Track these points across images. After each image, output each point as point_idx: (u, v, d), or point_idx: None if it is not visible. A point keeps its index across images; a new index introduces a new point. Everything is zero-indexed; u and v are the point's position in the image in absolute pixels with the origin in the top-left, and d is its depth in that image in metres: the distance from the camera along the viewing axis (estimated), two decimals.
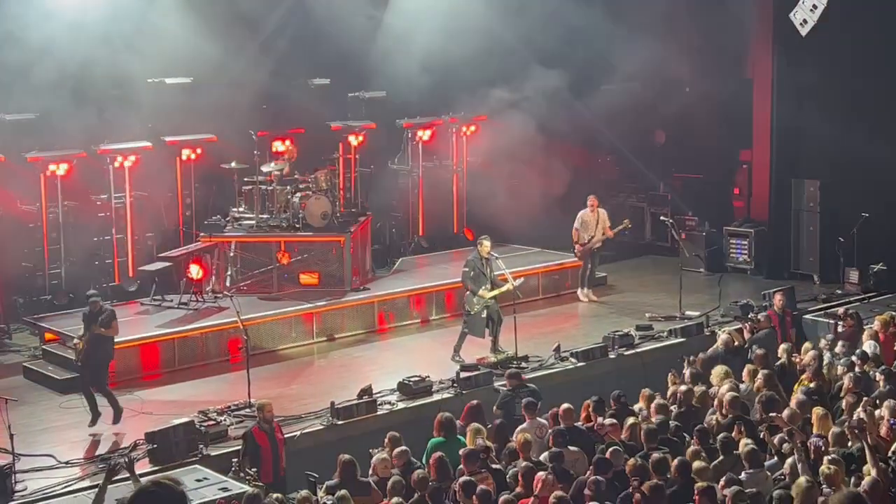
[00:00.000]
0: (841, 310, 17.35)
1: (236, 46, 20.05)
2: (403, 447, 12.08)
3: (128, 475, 10.54)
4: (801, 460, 10.38)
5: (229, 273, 18.86)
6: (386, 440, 12.43)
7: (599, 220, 19.73)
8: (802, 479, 9.83)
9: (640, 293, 20.31)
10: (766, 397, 12.82)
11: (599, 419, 12.96)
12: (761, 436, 11.78)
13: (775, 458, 11.34)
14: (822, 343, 15.28)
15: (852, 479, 10.17)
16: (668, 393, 14.00)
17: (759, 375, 13.72)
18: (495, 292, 16.47)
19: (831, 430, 11.53)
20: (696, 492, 10.06)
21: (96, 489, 10.52)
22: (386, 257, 21.42)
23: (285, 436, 13.11)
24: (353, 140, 21.42)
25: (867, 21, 20.19)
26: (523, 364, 16.16)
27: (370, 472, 11.82)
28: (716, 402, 13.10)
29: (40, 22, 17.57)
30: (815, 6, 19.94)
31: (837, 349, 14.85)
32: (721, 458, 11.42)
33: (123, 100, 19.50)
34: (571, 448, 12.04)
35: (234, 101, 20.09)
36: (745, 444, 11.38)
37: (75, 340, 14.47)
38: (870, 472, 9.89)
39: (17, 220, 18.59)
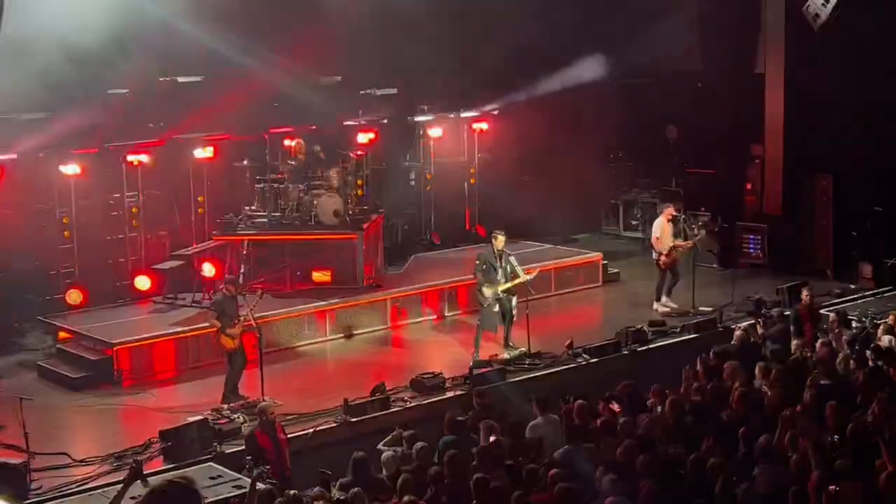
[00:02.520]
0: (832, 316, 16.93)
1: (247, 44, 20.05)
2: (423, 444, 12.10)
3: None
4: (814, 456, 10.35)
5: (242, 271, 18.88)
6: (403, 439, 12.47)
7: (679, 228, 19.17)
8: (815, 475, 9.80)
9: (654, 289, 20.23)
10: (780, 393, 12.79)
11: (594, 417, 12.94)
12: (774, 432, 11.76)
13: (789, 453, 11.30)
14: (845, 337, 15.23)
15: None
16: (683, 389, 13.95)
17: (773, 371, 13.68)
18: (507, 285, 16.47)
19: (846, 425, 11.49)
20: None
21: (111, 487, 10.59)
22: (398, 254, 21.42)
23: (290, 435, 13.11)
24: (365, 137, 21.42)
25: (879, 14, 20.11)
26: (536, 360, 16.16)
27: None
28: (729, 398, 13.06)
29: (52, 21, 17.58)
30: (826, 0, 19.90)
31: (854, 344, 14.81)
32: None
33: (136, 98, 19.54)
34: (586, 445, 12.03)
35: (246, 99, 20.09)
36: (759, 440, 11.35)
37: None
38: (885, 467, 9.85)
39: (30, 218, 18.63)
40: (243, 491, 11.31)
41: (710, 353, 15.08)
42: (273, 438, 12.59)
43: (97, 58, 18.10)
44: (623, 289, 20.68)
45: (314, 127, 20.92)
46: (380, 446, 12.57)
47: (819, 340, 15.02)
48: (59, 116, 18.62)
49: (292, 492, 11.09)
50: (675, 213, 19.23)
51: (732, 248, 21.82)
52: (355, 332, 17.98)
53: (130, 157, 19.04)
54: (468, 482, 10.94)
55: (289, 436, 13.13)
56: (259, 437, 12.59)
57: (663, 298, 18.95)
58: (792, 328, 16.33)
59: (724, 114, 22.32)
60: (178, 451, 12.97)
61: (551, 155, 23.25)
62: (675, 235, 18.97)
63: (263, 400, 14.25)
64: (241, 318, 14.94)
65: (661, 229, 19.01)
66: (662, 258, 18.90)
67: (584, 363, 16.24)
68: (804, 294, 17.18)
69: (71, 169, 18.38)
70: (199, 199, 20.23)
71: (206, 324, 15.48)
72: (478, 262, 16.65)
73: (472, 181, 23.45)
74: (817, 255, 21.32)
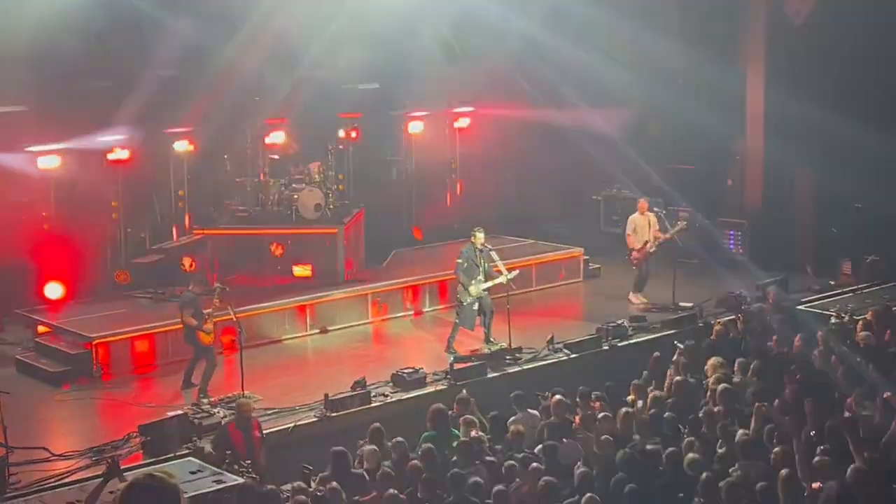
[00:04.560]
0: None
1: (228, 37, 19.98)
2: (399, 438, 12.09)
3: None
4: (798, 450, 10.40)
5: (220, 267, 18.82)
6: (370, 432, 12.47)
7: (650, 223, 19.23)
8: (784, 472, 9.86)
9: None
10: (758, 388, 12.84)
11: (573, 412, 12.98)
12: (752, 427, 11.81)
13: (768, 447, 11.36)
14: (819, 334, 15.28)
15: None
16: (666, 384, 13.98)
17: (752, 367, 13.74)
18: (488, 284, 16.50)
19: (824, 421, 11.54)
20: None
21: (90, 482, 10.54)
22: (379, 249, 21.40)
23: (271, 430, 13.08)
24: (346, 132, 21.38)
25: (860, 9, 20.17)
26: (517, 355, 16.17)
27: (361, 463, 11.86)
28: (708, 394, 13.11)
29: (31, 14, 17.48)
30: None
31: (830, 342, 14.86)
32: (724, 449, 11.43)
33: (117, 92, 19.44)
34: (565, 440, 12.06)
35: (228, 93, 20.03)
36: (738, 436, 11.40)
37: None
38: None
39: (10, 212, 18.52)
40: (223, 486, 11.29)
41: (684, 348, 15.10)
42: (246, 435, 12.56)
43: (79, 50, 18.03)
44: (604, 284, 20.71)
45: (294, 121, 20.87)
46: (360, 442, 12.56)
47: (797, 336, 15.08)
48: (40, 110, 18.55)
49: (270, 487, 11.09)
50: (653, 209, 19.29)
51: (712, 242, 21.85)
52: (334, 327, 17.98)
53: (111, 152, 18.93)
54: (446, 476, 10.96)
55: (269, 431, 13.12)
56: (231, 431, 12.59)
57: (631, 295, 19.06)
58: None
59: (706, 109, 22.32)
60: (158, 446, 12.92)
61: (533, 151, 23.26)
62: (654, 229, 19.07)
63: (243, 395, 14.25)
64: (210, 314, 14.85)
65: (633, 225, 19.12)
66: (634, 254, 19.04)
67: (564, 358, 16.27)
68: (770, 293, 17.32)
69: (50, 163, 18.27)
70: (180, 193, 20.15)
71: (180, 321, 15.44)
72: (459, 260, 16.65)
73: (453, 177, 23.46)
74: (797, 251, 21.39)
